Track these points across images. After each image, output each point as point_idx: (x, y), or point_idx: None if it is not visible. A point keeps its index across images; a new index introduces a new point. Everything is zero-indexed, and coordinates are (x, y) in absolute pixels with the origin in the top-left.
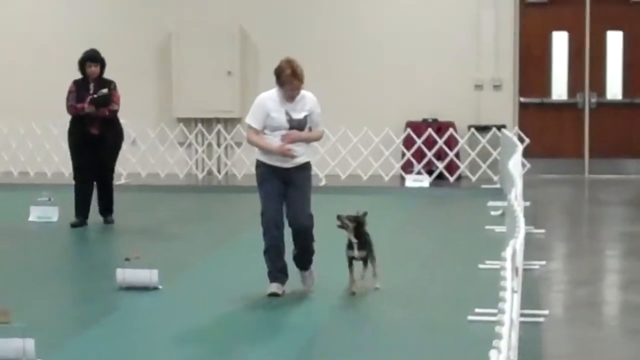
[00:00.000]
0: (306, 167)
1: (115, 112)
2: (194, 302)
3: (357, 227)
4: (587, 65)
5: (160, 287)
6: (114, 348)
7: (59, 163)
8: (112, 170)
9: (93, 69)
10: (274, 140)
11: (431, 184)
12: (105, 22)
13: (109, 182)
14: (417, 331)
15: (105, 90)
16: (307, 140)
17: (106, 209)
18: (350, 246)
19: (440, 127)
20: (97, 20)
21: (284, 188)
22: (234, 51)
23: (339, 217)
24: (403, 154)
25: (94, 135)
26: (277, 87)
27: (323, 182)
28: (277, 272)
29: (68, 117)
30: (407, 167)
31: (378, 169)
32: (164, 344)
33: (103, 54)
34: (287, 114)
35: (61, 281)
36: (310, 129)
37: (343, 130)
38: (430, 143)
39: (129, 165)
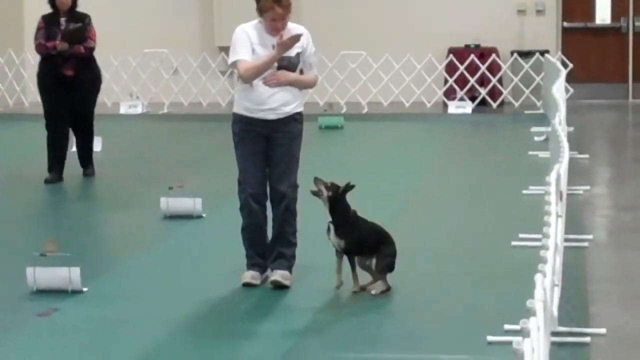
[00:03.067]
0: (296, 119)
1: (92, 49)
2: (238, 230)
3: (333, 199)
4: None
5: (204, 215)
6: (158, 276)
7: (102, 93)
8: (90, 115)
9: (64, 0)
10: (254, 84)
11: (474, 110)
12: None
13: (88, 129)
14: (461, 258)
15: (79, 24)
16: (299, 85)
17: (85, 159)
18: (328, 228)
19: (483, 53)
20: None
21: (267, 148)
22: None
23: (315, 180)
24: (445, 81)
25: (68, 76)
26: (258, 17)
27: (365, 110)
28: (256, 257)
29: (109, 46)
30: (450, 94)
31: (420, 95)
32: (208, 271)
33: None
34: (275, 49)
35: (106, 210)
36: (301, 72)
37: (385, 57)
38: (472, 69)
39: (171, 94)
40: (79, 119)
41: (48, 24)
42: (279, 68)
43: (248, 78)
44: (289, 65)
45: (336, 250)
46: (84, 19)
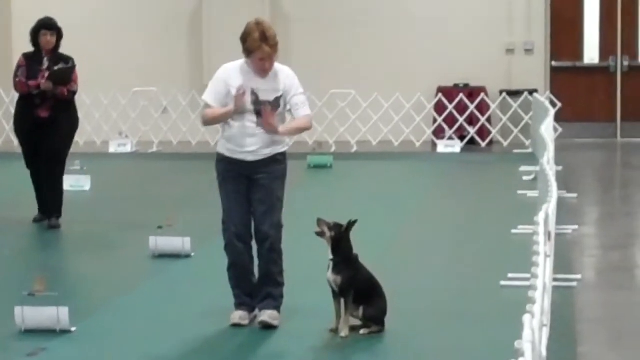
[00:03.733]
0: (277, 159)
1: (74, 93)
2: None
3: (337, 239)
4: (619, 28)
5: (192, 254)
6: (146, 316)
7: (91, 132)
8: (62, 163)
9: (48, 39)
10: (234, 127)
11: (463, 149)
12: None
13: (58, 177)
14: (450, 297)
15: (68, 66)
16: (294, 133)
17: (52, 208)
18: (328, 265)
19: (472, 92)
20: None
21: (249, 187)
22: (264, 17)
23: (318, 221)
24: (434, 120)
25: (43, 118)
26: (244, 58)
27: (354, 149)
28: (243, 296)
29: (98, 84)
30: (439, 133)
31: (409, 134)
32: (195, 311)
33: (134, 22)
34: (254, 93)
35: (94, 249)
36: (288, 115)
37: (374, 96)
38: (461, 108)
39: (160, 133)
40: (50, 165)
41: (30, 62)
42: (256, 112)
43: (204, 124)
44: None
45: (333, 292)
46: (68, 60)
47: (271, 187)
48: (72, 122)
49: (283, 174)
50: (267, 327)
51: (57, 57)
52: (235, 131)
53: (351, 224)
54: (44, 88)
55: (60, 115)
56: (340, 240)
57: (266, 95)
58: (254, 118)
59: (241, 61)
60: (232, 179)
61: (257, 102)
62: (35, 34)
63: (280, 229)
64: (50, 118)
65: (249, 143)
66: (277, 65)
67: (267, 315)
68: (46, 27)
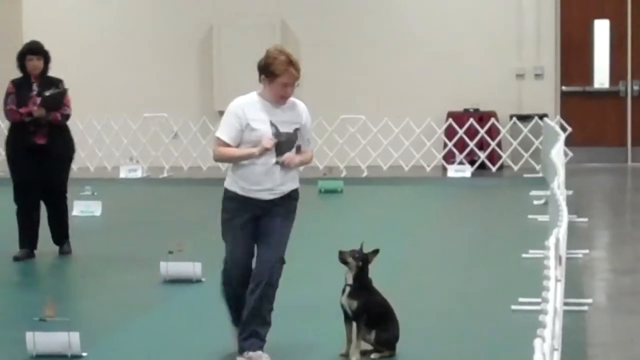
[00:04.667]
0: (291, 195)
1: (68, 117)
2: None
3: (362, 267)
4: (629, 53)
5: (203, 279)
6: (157, 341)
7: (102, 157)
8: (64, 186)
9: (35, 63)
10: (249, 164)
11: (473, 174)
12: (147, 16)
13: (62, 203)
14: (461, 321)
15: (60, 90)
16: (303, 165)
17: (60, 235)
18: (343, 290)
19: (482, 117)
20: (140, 14)
21: (256, 226)
22: (274, 43)
23: (340, 254)
24: (445, 144)
25: (40, 145)
26: (260, 89)
27: (365, 174)
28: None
29: (109, 109)
30: (449, 158)
31: (420, 159)
32: (206, 337)
33: (145, 48)
34: (273, 125)
35: (105, 274)
36: (298, 149)
37: (385, 121)
38: (471, 133)
39: (171, 158)
40: (51, 191)
41: (19, 88)
42: (278, 144)
43: (217, 160)
44: (287, 141)
45: (345, 317)
46: (57, 83)
47: (282, 224)
48: (68, 148)
49: (294, 210)
50: None
51: (46, 81)
52: (253, 169)
53: (374, 253)
54: (37, 115)
55: (56, 140)
56: (364, 268)
57: (285, 128)
58: (273, 154)
59: (253, 94)
60: (241, 218)
61: (277, 134)
62: (21, 59)
63: (282, 264)
64: (47, 145)
65: (267, 181)
66: (293, 99)
67: (254, 357)
68: (32, 51)
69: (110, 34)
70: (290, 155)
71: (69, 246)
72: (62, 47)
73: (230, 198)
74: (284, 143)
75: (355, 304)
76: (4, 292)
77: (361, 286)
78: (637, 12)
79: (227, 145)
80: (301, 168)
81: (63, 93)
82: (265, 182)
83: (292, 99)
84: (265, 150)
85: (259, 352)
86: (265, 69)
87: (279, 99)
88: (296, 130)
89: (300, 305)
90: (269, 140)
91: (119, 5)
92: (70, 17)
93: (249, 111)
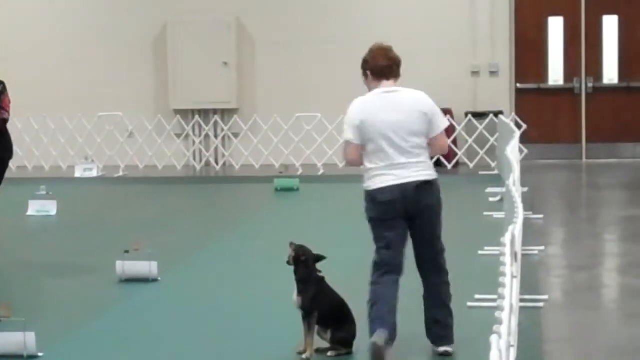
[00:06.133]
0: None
1: (6, 121)
2: (193, 294)
3: (298, 260)
4: (583, 50)
5: (159, 279)
6: (114, 341)
7: (57, 157)
8: None
9: None
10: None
11: None
12: (100, 14)
13: None
14: (416, 318)
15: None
16: None
17: None
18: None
19: None
20: (93, 12)
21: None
22: (230, 41)
23: (290, 245)
24: None
25: None
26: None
27: (321, 171)
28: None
29: (63, 109)
30: None
31: None
32: (163, 336)
33: (99, 46)
34: None
35: (61, 274)
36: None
37: (340, 118)
38: None
39: (126, 157)
40: None
41: None
42: None
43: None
44: None
45: (302, 315)
46: None
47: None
48: (5, 151)
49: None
50: None
51: None
52: None
53: (317, 258)
54: None
55: None
56: (301, 261)
57: None
58: None
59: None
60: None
61: None
62: None
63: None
64: None
65: None
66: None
67: None
68: None
69: (63, 31)
70: None
71: None
72: (13, 45)
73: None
74: None
75: (300, 300)
76: None
77: (304, 281)
78: (591, 9)
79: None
80: (261, 161)
81: (1, 92)
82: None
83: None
84: None
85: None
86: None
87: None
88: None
89: (254, 303)
90: None
91: (73, 3)
92: (22, 15)
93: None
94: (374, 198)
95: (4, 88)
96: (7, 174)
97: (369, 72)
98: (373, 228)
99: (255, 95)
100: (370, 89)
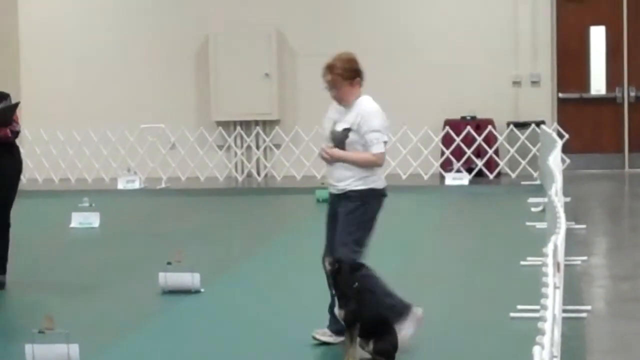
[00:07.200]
0: (348, 196)
1: (18, 133)
2: (235, 305)
3: (335, 274)
4: (625, 59)
5: (202, 290)
6: (156, 352)
7: (99, 169)
8: (8, 208)
9: None
10: None
11: (471, 182)
12: (144, 28)
13: (5, 231)
14: (459, 329)
15: (13, 103)
16: (345, 161)
17: None
18: None
19: (479, 125)
20: (135, 26)
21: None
22: (271, 53)
23: (325, 258)
24: (442, 153)
25: None
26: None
27: None
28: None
29: (106, 121)
30: (447, 166)
31: (417, 167)
32: (205, 347)
33: (142, 59)
34: (334, 123)
35: (104, 286)
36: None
37: None
38: (469, 141)
39: (169, 169)
40: None
41: None
42: (332, 141)
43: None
44: (335, 140)
45: (344, 327)
46: (5, 98)
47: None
48: (16, 167)
49: (352, 210)
50: None
51: None
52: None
53: (357, 267)
54: None
55: (4, 159)
56: (337, 274)
57: (339, 127)
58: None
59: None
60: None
61: (331, 131)
62: None
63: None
64: None
65: (329, 176)
66: (360, 99)
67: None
68: None
69: (107, 44)
70: (323, 147)
71: (4, 277)
72: (58, 59)
73: (378, 196)
74: (333, 140)
75: (342, 313)
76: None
77: (344, 295)
78: (633, 18)
79: None
80: (303, 172)
81: (13, 107)
82: (329, 176)
83: (362, 98)
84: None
85: None
86: None
87: (334, 100)
88: (346, 129)
89: (297, 316)
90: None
91: (116, 17)
92: (67, 28)
93: (330, 110)
94: (383, 195)
95: (12, 101)
96: (50, 186)
97: (359, 79)
98: (371, 228)
99: (297, 107)
100: (357, 96)
